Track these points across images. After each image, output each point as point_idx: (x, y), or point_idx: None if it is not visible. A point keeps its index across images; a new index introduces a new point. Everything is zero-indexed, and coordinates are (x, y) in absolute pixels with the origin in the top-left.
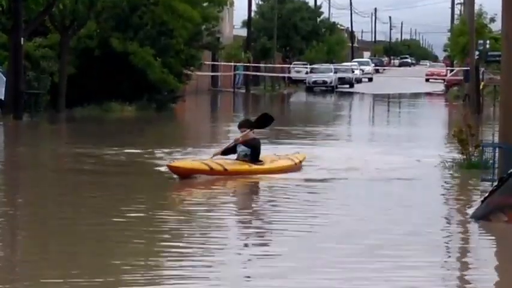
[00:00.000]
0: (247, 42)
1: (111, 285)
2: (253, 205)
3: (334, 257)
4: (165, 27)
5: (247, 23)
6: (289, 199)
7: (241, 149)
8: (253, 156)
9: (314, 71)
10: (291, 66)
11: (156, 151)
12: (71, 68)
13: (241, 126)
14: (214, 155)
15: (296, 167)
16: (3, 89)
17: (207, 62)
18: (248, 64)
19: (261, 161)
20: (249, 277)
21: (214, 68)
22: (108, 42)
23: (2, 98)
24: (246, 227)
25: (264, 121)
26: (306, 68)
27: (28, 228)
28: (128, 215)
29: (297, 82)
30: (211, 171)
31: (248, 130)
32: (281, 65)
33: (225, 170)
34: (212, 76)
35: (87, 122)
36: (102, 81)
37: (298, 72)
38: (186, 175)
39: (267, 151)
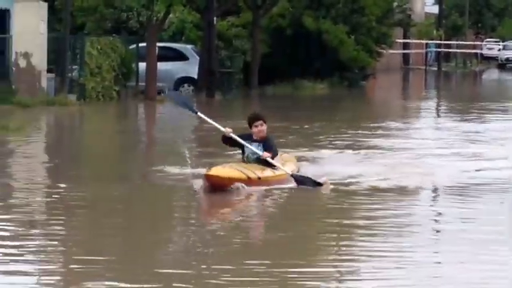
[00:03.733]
0: (438, 20)
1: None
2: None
3: None
4: (357, 4)
5: (439, 0)
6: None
7: (252, 150)
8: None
9: (507, 48)
10: (483, 43)
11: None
12: (264, 47)
13: (257, 119)
14: (225, 136)
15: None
16: (197, 68)
17: (399, 40)
18: (440, 41)
19: (274, 166)
20: None
21: (405, 46)
22: (300, 20)
23: (195, 76)
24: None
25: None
26: (499, 45)
27: None
28: None
29: (489, 59)
30: (249, 181)
31: (265, 125)
32: (473, 42)
33: (259, 178)
34: (403, 54)
35: (280, 99)
36: (294, 60)
37: (490, 49)
38: (222, 186)
39: None
